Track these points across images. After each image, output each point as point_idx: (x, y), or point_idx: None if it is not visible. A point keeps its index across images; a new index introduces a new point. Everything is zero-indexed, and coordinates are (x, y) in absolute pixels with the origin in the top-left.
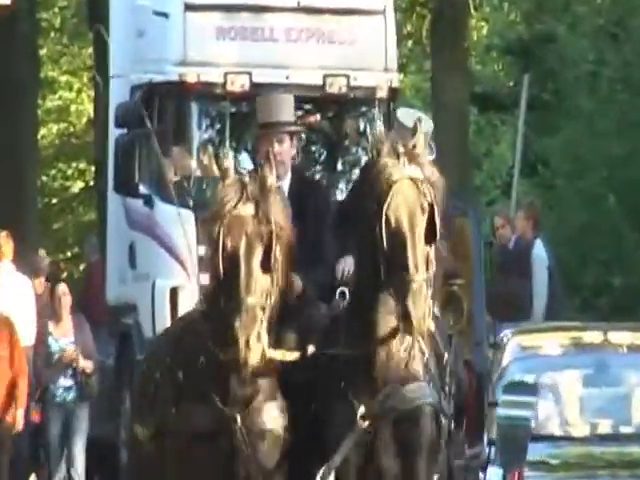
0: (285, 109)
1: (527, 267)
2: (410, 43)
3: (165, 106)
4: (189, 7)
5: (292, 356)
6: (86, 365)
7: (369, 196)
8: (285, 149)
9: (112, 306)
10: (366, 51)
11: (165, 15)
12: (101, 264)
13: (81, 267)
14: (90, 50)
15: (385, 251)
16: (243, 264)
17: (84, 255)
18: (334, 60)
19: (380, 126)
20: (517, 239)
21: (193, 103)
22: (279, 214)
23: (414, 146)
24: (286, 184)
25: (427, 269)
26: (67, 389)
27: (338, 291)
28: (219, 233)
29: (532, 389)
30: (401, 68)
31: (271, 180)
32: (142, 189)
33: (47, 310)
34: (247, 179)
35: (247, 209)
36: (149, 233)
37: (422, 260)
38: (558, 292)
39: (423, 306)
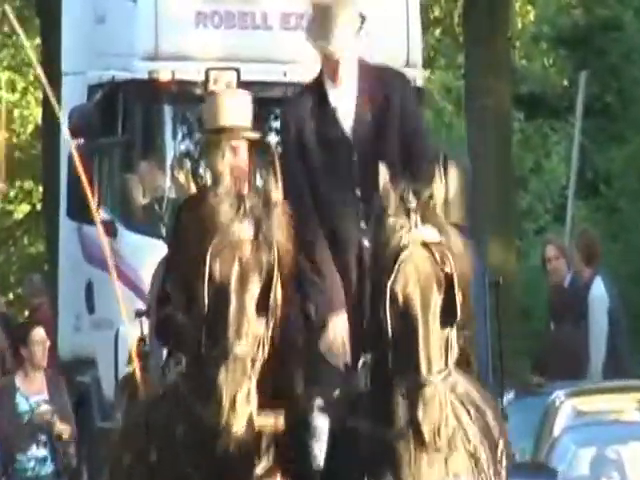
0: (241, 110)
1: (584, 311)
2: (438, 32)
3: (132, 110)
4: None
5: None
6: (63, 429)
7: (374, 267)
8: (241, 161)
9: (65, 361)
10: (383, 41)
11: None
12: (50, 308)
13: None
14: (37, 41)
15: (391, 339)
16: (234, 301)
17: (25, 297)
18: None
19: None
20: (574, 276)
21: (166, 106)
22: (283, 238)
23: (430, 197)
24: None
25: (446, 362)
26: (41, 461)
27: (361, 361)
28: (205, 254)
29: (550, 474)
30: (427, 63)
31: (276, 196)
32: (103, 214)
33: (10, 360)
34: (246, 192)
35: (244, 229)
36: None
37: (438, 352)
38: (622, 342)
39: (438, 415)
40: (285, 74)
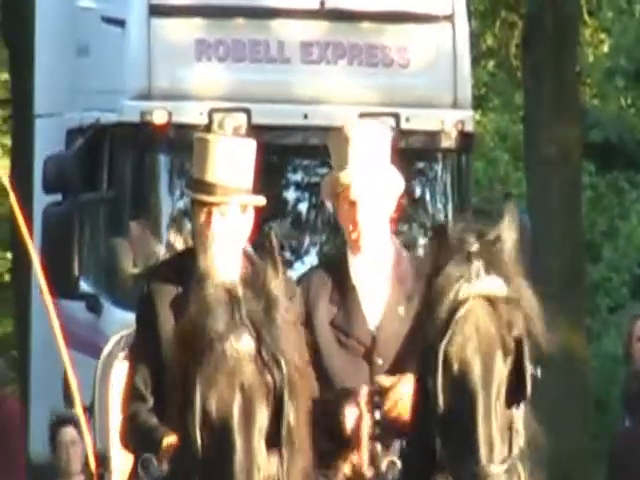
0: (237, 162)
1: None
2: (492, 65)
3: (120, 160)
4: (156, 10)
5: None
6: None
7: (426, 324)
8: (231, 226)
9: (36, 465)
10: (425, 77)
11: (120, 23)
12: (18, 402)
13: None
14: (5, 76)
15: (443, 417)
16: (238, 440)
17: None
18: (376, 91)
19: (445, 195)
20: None
21: (162, 155)
22: (290, 348)
23: (497, 240)
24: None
25: (510, 449)
26: None
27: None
28: (193, 382)
29: None
30: (478, 103)
31: (276, 286)
32: (84, 286)
33: None
34: (236, 286)
35: (243, 343)
36: (94, 353)
37: (500, 436)
38: None
39: None
40: (306, 116)
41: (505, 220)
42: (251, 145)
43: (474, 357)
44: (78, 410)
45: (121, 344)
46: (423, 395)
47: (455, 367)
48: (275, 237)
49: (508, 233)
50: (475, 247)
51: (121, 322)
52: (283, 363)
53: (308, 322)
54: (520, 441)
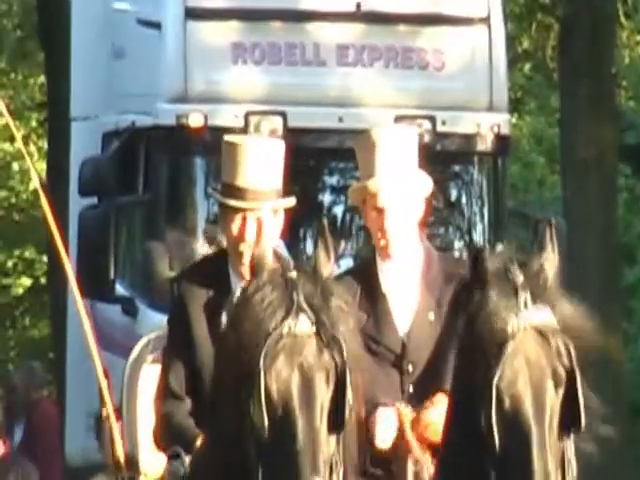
0: (267, 165)
1: None
2: (528, 67)
3: (156, 163)
4: (192, 13)
5: None
6: None
7: (473, 358)
8: (264, 229)
9: (73, 468)
10: (461, 80)
11: (156, 26)
12: (54, 405)
13: None
14: (41, 79)
15: (496, 452)
16: (300, 421)
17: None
18: (412, 94)
19: (480, 198)
20: None
21: (198, 158)
22: (348, 331)
23: (540, 270)
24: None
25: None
26: None
27: None
28: (258, 371)
29: None
30: (514, 106)
31: (328, 274)
32: (120, 289)
33: None
34: (293, 274)
35: (302, 325)
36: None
37: (555, 470)
38: None
39: None
40: (341, 119)
41: (547, 249)
42: (280, 146)
43: (526, 391)
44: (110, 412)
45: (149, 347)
46: (458, 413)
47: (507, 402)
48: (327, 226)
49: (551, 262)
50: (521, 279)
51: (157, 325)
52: (343, 344)
53: None
54: (573, 471)
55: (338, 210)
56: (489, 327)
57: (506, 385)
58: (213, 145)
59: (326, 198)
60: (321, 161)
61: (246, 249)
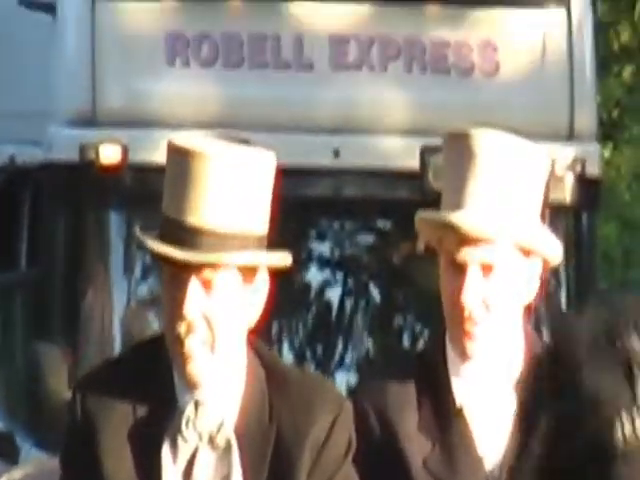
0: (241, 191)
1: None
2: (629, 73)
3: (48, 221)
4: None
5: None
6: None
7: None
8: (224, 304)
9: None
10: (522, 92)
11: (48, 7)
12: None
13: None
14: None
15: None
16: None
17: None
18: (446, 112)
19: (556, 277)
20: None
21: (113, 213)
22: None
23: None
24: (236, 390)
25: None
26: None
27: None
28: None
29: None
30: (607, 132)
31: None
32: None
33: None
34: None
35: None
36: None
37: None
38: None
39: None
40: (337, 153)
41: None
42: (268, 160)
43: None
44: None
45: None
46: None
47: None
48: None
49: None
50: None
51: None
52: None
53: (385, 462)
54: None
55: (333, 293)
56: (598, 423)
57: None
58: (136, 192)
59: (311, 276)
60: (307, 218)
61: (183, 330)
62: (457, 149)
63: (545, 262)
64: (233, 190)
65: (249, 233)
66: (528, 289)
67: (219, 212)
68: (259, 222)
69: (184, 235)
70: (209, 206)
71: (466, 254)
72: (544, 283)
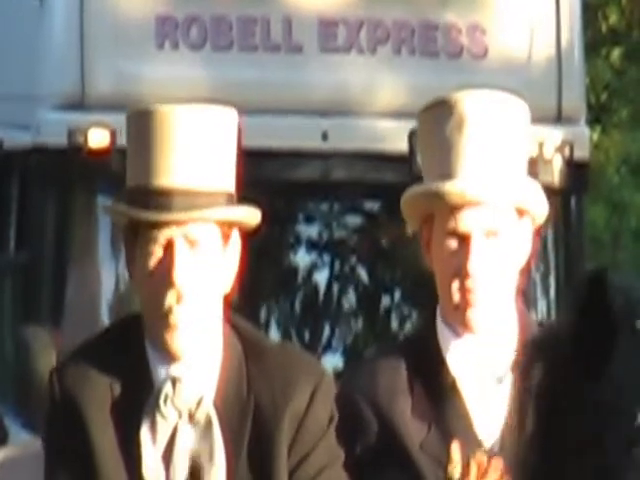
0: (208, 149)
1: None
2: (617, 55)
3: (36, 205)
4: None
5: None
6: None
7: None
8: (201, 262)
9: None
10: (511, 74)
11: None
12: None
13: None
14: None
15: None
16: None
17: None
18: (436, 95)
19: (544, 258)
20: None
21: (101, 197)
22: None
23: None
24: (214, 364)
25: None
26: None
27: None
28: None
29: None
30: (596, 115)
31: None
32: None
33: None
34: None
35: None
36: None
37: None
38: None
39: None
40: (325, 136)
41: None
42: (230, 117)
43: None
44: None
45: None
46: None
47: None
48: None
49: None
50: None
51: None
52: None
53: (383, 451)
54: None
55: (320, 277)
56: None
57: None
58: (124, 176)
59: (300, 259)
60: (294, 201)
61: (173, 300)
62: (436, 119)
63: (533, 221)
64: (200, 148)
65: (221, 190)
66: (523, 252)
67: (190, 171)
68: (228, 178)
69: (157, 198)
70: (179, 166)
71: (469, 222)
72: (535, 244)
